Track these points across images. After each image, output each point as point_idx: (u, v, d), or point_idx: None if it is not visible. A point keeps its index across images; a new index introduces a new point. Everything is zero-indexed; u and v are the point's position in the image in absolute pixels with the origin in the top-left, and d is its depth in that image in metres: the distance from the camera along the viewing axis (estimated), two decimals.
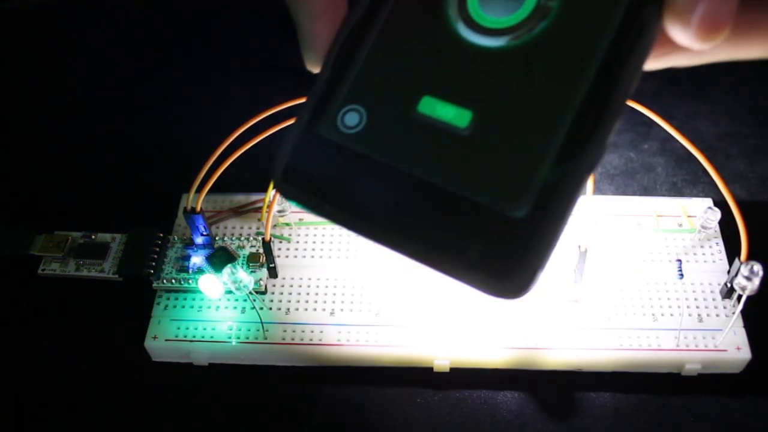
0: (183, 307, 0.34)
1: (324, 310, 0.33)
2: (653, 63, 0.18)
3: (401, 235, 0.17)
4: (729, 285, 0.32)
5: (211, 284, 0.33)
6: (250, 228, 0.36)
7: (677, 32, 0.16)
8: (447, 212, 0.16)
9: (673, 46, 0.17)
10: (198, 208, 0.33)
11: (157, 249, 0.35)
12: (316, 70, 0.21)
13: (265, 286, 0.34)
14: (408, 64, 0.17)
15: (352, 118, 0.17)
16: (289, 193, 0.17)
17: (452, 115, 0.17)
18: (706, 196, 0.36)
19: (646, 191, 0.38)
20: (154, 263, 0.34)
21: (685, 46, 0.16)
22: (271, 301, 0.34)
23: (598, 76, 0.16)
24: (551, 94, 0.16)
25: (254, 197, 0.37)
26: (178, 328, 0.33)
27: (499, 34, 0.17)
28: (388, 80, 0.17)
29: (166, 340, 0.33)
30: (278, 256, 0.35)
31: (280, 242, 0.35)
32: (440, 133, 0.17)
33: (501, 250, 0.16)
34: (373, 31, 0.18)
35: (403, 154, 0.17)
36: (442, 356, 0.32)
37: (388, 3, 0.18)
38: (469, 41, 0.17)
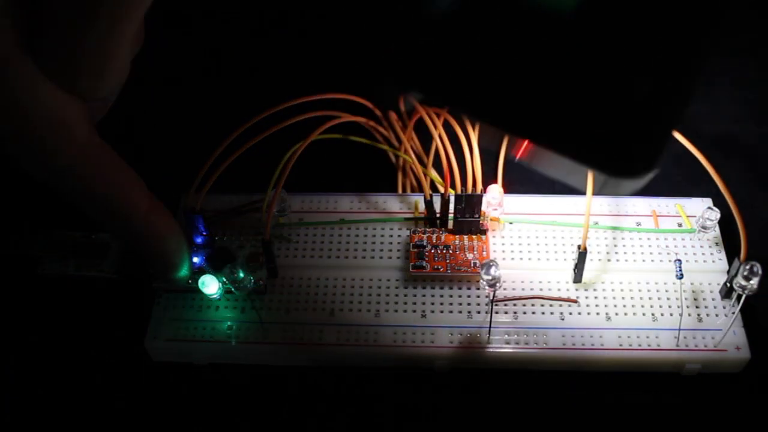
0: (183, 307, 0.34)
1: (324, 310, 0.33)
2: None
3: (523, 114, 0.17)
4: (729, 285, 0.32)
5: (211, 284, 0.33)
6: (250, 228, 0.36)
7: None
8: (569, 89, 0.16)
9: None
10: (198, 208, 0.33)
11: None
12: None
13: (265, 286, 0.34)
14: None
15: None
16: (400, 82, 0.17)
17: None
18: (706, 196, 0.36)
19: (646, 191, 0.38)
20: None
21: None
22: (271, 301, 0.34)
23: None
24: None
25: (254, 197, 0.37)
26: (178, 328, 0.33)
27: None
28: None
29: (166, 340, 0.33)
30: (278, 256, 0.35)
31: (280, 242, 0.35)
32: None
33: (623, 128, 0.16)
34: None
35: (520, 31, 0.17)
36: (442, 356, 0.32)
37: None
38: None
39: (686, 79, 0.17)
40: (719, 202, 0.35)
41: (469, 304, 0.33)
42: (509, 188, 0.35)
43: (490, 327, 0.32)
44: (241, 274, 0.32)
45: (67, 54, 0.23)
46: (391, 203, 0.37)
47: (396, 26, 0.17)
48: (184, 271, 0.32)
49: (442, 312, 0.33)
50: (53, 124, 0.24)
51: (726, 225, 0.35)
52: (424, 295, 0.33)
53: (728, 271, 0.33)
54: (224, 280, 0.32)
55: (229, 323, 0.33)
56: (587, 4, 0.16)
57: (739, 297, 0.31)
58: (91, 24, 0.22)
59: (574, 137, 0.17)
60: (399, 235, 0.35)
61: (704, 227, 0.34)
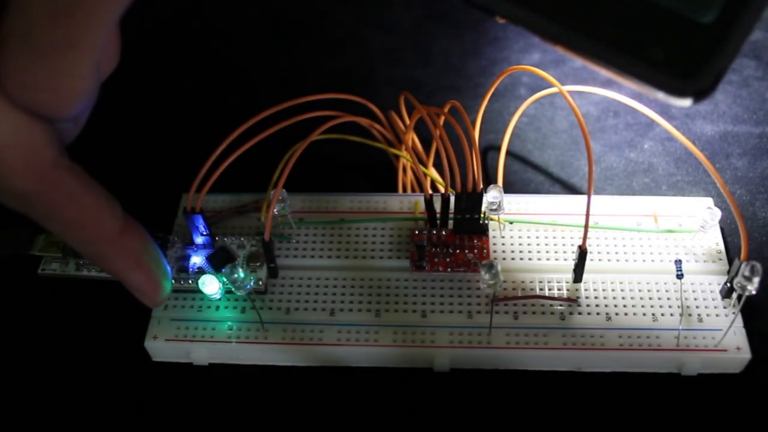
0: (183, 307, 0.34)
1: (324, 310, 0.33)
2: None
3: (585, 33, 0.17)
4: (729, 285, 0.32)
5: (210, 284, 0.33)
6: (250, 228, 0.36)
7: None
8: (634, 14, 0.17)
9: None
10: (198, 208, 0.33)
11: None
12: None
13: (265, 286, 0.34)
14: None
15: None
16: None
17: None
18: (706, 196, 0.36)
19: (646, 191, 0.38)
20: None
21: None
22: (271, 301, 0.34)
23: None
24: None
25: (254, 197, 0.37)
26: (178, 328, 0.33)
27: None
28: None
29: (166, 340, 0.33)
30: (278, 256, 0.35)
31: (280, 242, 0.35)
32: None
33: (687, 52, 0.17)
34: None
35: None
36: (442, 356, 0.32)
37: None
38: None
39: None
40: (719, 202, 0.35)
41: (469, 304, 0.33)
42: (509, 188, 0.35)
43: (490, 327, 0.32)
44: (241, 274, 0.32)
45: (27, 74, 0.22)
46: (391, 203, 0.37)
47: None
48: (165, 291, 0.32)
49: (442, 312, 0.33)
50: (15, 147, 0.23)
51: (726, 225, 0.35)
52: (424, 295, 0.33)
53: (728, 271, 0.33)
54: (224, 280, 0.32)
55: (229, 323, 0.33)
56: None
57: (739, 297, 0.31)
58: (51, 43, 0.21)
59: (634, 46, 0.17)
60: (399, 235, 0.35)
61: (704, 227, 0.34)
